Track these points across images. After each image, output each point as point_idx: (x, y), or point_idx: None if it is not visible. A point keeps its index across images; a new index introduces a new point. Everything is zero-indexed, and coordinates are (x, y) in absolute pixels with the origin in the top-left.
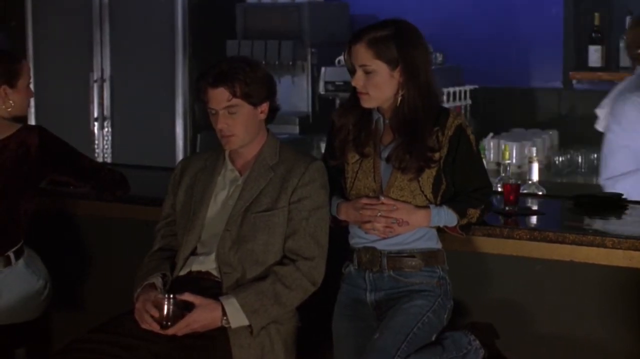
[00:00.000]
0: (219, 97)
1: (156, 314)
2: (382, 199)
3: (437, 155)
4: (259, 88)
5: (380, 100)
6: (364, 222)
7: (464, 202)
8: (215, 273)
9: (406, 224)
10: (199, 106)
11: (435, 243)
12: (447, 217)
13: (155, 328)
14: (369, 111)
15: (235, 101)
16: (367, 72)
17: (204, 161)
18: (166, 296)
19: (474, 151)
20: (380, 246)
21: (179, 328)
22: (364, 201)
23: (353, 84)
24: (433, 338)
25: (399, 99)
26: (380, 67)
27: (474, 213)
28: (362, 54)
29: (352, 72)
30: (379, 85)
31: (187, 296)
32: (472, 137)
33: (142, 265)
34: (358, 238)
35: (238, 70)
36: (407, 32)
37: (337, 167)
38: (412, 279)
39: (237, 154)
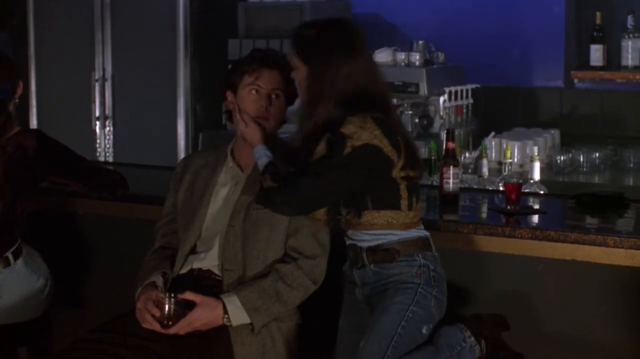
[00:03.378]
0: (273, 78)
1: (157, 314)
2: None
3: None
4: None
5: (302, 96)
6: None
7: None
8: (216, 270)
9: None
10: (201, 105)
11: (414, 231)
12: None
13: (157, 327)
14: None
15: (281, 86)
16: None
17: (205, 159)
18: (167, 294)
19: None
20: (360, 242)
21: (181, 327)
22: None
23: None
24: (424, 331)
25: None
26: (297, 62)
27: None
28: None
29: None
30: (299, 80)
31: (188, 295)
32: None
33: (143, 264)
34: (346, 237)
35: (286, 61)
36: (320, 31)
37: None
38: (393, 271)
39: (240, 150)
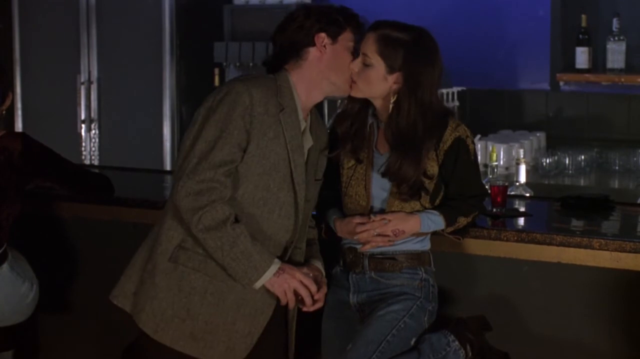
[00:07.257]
0: None
1: (319, 296)
2: (372, 217)
3: (432, 175)
4: None
5: (366, 94)
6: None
7: (456, 210)
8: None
9: (402, 233)
10: (187, 108)
11: (421, 245)
12: (436, 224)
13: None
14: (366, 113)
15: None
16: (365, 64)
17: (276, 102)
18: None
19: (471, 161)
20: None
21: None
22: (357, 220)
23: (350, 66)
24: (412, 342)
25: (391, 106)
26: (378, 64)
27: (463, 221)
28: (369, 44)
29: (356, 56)
30: (370, 80)
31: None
32: (471, 147)
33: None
34: (344, 239)
35: None
36: (423, 45)
37: (332, 164)
38: (393, 281)
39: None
